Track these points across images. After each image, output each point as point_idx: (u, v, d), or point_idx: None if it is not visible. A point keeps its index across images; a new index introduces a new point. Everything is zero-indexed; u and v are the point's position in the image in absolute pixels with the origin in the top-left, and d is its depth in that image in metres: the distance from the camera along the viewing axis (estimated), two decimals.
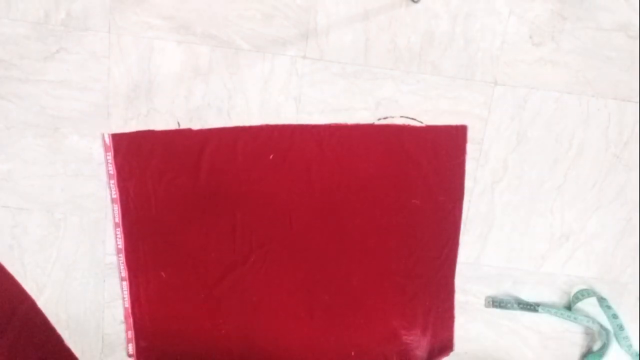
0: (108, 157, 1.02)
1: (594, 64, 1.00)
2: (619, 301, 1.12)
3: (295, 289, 1.09)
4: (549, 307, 1.09)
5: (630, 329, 1.13)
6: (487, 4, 0.97)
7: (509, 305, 1.09)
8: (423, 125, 1.02)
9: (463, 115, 1.02)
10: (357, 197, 1.05)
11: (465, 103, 1.02)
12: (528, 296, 1.12)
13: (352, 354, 1.13)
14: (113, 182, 1.03)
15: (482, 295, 1.11)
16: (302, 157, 1.03)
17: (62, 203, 1.05)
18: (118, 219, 1.05)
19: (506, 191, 1.06)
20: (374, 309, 1.10)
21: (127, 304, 1.09)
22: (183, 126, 1.01)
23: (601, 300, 1.09)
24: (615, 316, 1.09)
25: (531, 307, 1.09)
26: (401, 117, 1.02)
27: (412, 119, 1.02)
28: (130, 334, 1.11)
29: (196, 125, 1.01)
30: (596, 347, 1.13)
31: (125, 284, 1.08)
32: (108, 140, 1.01)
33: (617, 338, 1.10)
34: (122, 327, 1.11)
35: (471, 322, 1.13)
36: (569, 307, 1.10)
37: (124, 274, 1.08)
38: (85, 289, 1.10)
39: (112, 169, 1.02)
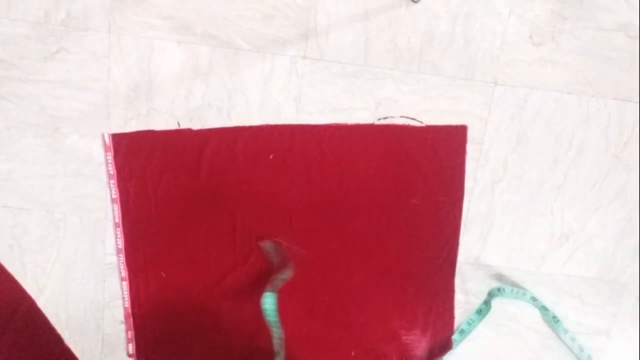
0: (108, 157, 1.02)
1: (594, 64, 1.00)
2: (618, 301, 1.12)
3: (295, 289, 1.09)
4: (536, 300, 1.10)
5: (630, 330, 1.13)
6: (487, 4, 0.97)
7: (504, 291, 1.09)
8: (423, 125, 1.02)
9: (463, 115, 1.02)
10: (357, 197, 1.05)
11: (465, 103, 1.02)
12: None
13: (352, 354, 1.13)
14: (113, 182, 1.03)
15: (482, 295, 1.11)
16: (302, 157, 1.03)
17: (62, 203, 1.05)
18: (118, 219, 1.05)
19: (506, 191, 1.06)
20: (374, 309, 1.10)
21: (127, 304, 1.09)
22: (183, 126, 1.01)
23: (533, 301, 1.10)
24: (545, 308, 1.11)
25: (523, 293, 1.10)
26: (401, 117, 1.02)
27: (412, 119, 1.02)
28: (130, 334, 1.11)
29: (196, 125, 1.01)
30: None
31: (125, 284, 1.08)
32: (108, 140, 1.01)
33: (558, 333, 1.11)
34: (122, 327, 1.11)
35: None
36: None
37: (124, 274, 1.08)
38: (85, 289, 1.10)
39: (112, 169, 1.02)
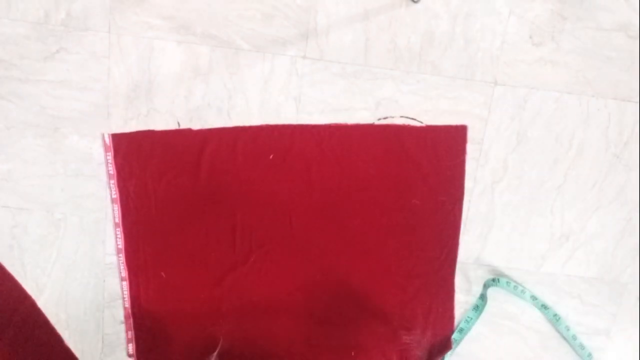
0: (108, 157, 1.02)
1: (594, 64, 1.00)
2: (618, 301, 1.12)
3: (295, 289, 1.09)
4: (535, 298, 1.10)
5: (631, 329, 1.13)
6: (487, 4, 0.97)
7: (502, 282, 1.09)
8: (423, 125, 1.02)
9: (463, 115, 1.02)
10: (357, 197, 1.05)
11: (465, 103, 1.02)
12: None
13: (352, 354, 1.13)
14: (113, 182, 1.03)
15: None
16: (302, 157, 1.03)
17: (62, 203, 1.05)
18: (118, 219, 1.05)
19: (506, 191, 1.06)
20: (374, 309, 1.10)
21: (127, 304, 1.09)
22: (183, 126, 1.01)
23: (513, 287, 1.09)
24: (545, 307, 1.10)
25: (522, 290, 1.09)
26: (401, 117, 1.02)
27: (412, 119, 1.02)
28: (130, 334, 1.11)
29: (196, 125, 1.01)
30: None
31: (125, 284, 1.08)
32: (108, 140, 1.01)
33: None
34: (122, 327, 1.11)
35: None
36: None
37: (124, 274, 1.08)
38: (85, 289, 1.10)
39: (112, 169, 1.02)
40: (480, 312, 1.09)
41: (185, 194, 1.04)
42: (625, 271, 1.11)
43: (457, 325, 1.12)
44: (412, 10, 0.97)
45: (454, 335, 1.12)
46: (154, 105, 1.00)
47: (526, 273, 1.10)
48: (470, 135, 1.03)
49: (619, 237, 1.09)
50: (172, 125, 1.01)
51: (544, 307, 1.10)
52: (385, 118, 1.02)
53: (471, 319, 1.11)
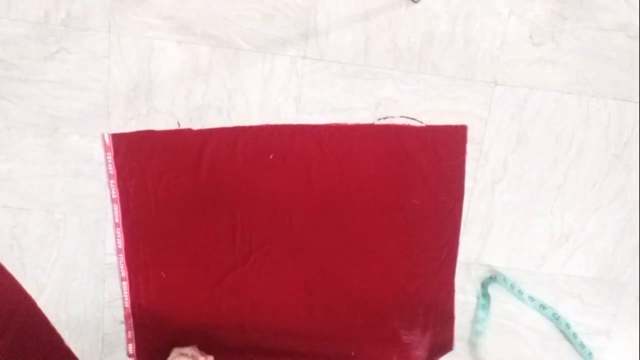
0: (108, 157, 1.02)
1: (594, 64, 1.00)
2: (618, 301, 1.12)
3: (295, 289, 1.09)
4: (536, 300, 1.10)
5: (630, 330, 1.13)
6: (487, 4, 0.97)
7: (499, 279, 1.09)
8: (423, 125, 1.02)
9: (463, 115, 1.02)
10: (357, 197, 1.05)
11: (465, 103, 1.02)
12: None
13: (352, 354, 1.13)
14: (113, 182, 1.03)
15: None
16: (302, 157, 1.03)
17: (62, 203, 1.05)
18: (118, 219, 1.05)
19: (506, 191, 1.06)
20: (374, 309, 1.10)
21: (127, 304, 1.09)
22: (183, 126, 1.01)
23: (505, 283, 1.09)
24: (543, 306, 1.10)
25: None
26: (401, 117, 1.02)
27: (412, 119, 1.02)
28: (130, 334, 1.11)
29: (196, 125, 1.01)
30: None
31: (125, 284, 1.08)
32: (108, 140, 1.01)
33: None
34: (122, 327, 1.11)
35: (471, 322, 1.13)
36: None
37: (124, 274, 1.08)
38: (85, 289, 1.10)
39: (112, 169, 1.02)
40: (488, 309, 1.09)
41: (185, 194, 1.04)
42: (625, 271, 1.11)
43: (473, 330, 1.11)
44: (412, 10, 0.97)
45: (473, 339, 1.11)
46: (154, 105, 1.00)
47: (526, 273, 1.10)
48: (470, 135, 1.03)
49: (619, 237, 1.09)
50: (172, 125, 1.01)
51: (542, 307, 1.10)
52: (385, 118, 1.02)
53: (484, 319, 1.10)
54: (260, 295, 1.09)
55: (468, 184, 1.06)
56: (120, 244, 1.06)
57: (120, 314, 1.10)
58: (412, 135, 1.02)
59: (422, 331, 1.12)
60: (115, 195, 1.04)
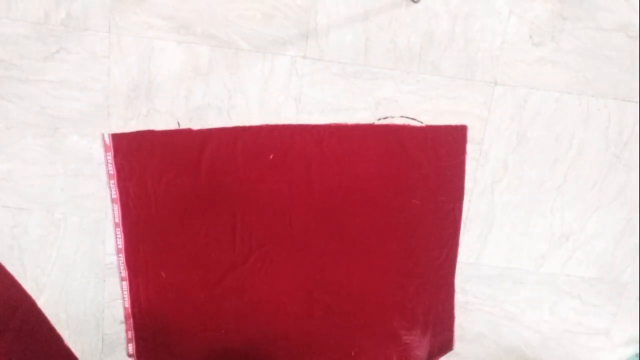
0: (108, 157, 1.02)
1: (594, 64, 1.00)
2: (618, 301, 1.12)
3: (295, 289, 1.09)
4: None
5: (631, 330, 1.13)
6: (487, 4, 0.97)
7: None
8: (423, 125, 1.02)
9: (463, 115, 1.02)
10: (357, 197, 1.05)
11: (465, 103, 1.02)
12: (528, 296, 1.12)
13: (352, 354, 1.13)
14: (113, 182, 1.03)
15: (482, 295, 1.11)
16: (302, 157, 1.03)
17: (62, 203, 1.05)
18: (118, 219, 1.05)
19: (506, 191, 1.06)
20: (374, 309, 1.10)
21: (127, 304, 1.09)
22: (183, 126, 1.01)
23: None
24: None
25: None
26: (401, 117, 1.02)
27: (412, 119, 1.02)
28: (130, 334, 1.11)
29: (196, 125, 1.01)
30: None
31: (125, 284, 1.08)
32: (108, 140, 1.01)
33: None
34: (122, 327, 1.11)
35: (471, 322, 1.13)
36: None
37: (124, 274, 1.08)
38: (85, 289, 1.10)
39: (112, 169, 1.02)
40: None
41: (185, 194, 1.04)
42: (625, 271, 1.11)
43: None
44: (412, 10, 0.97)
45: None
46: (154, 105, 1.00)
47: (526, 273, 1.10)
48: (470, 135, 1.03)
49: (619, 237, 1.09)
50: (172, 125, 1.01)
51: None
52: (385, 118, 1.02)
53: None
54: (260, 295, 1.09)
55: (468, 184, 1.06)
56: (120, 244, 1.06)
57: (120, 314, 1.10)
58: (412, 135, 1.02)
59: (422, 331, 1.12)
60: (115, 195, 1.04)
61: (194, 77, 0.99)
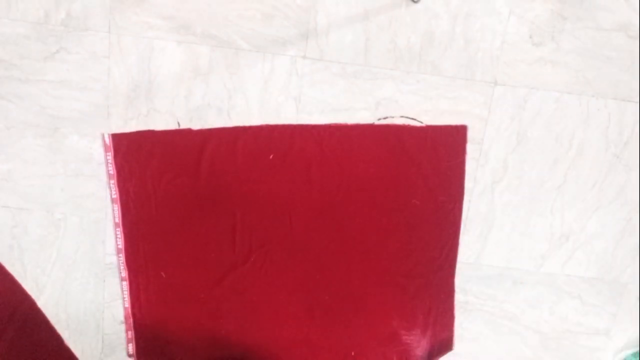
0: (108, 157, 1.02)
1: (594, 64, 1.00)
2: (618, 301, 1.12)
3: (295, 289, 1.09)
4: None
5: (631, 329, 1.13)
6: (487, 4, 0.97)
7: None
8: (423, 125, 1.02)
9: (463, 115, 1.02)
10: (357, 197, 1.05)
11: (465, 103, 1.02)
12: (528, 296, 1.12)
13: (352, 354, 1.13)
14: (113, 182, 1.03)
15: (482, 295, 1.11)
16: (302, 157, 1.03)
17: (62, 203, 1.05)
18: (118, 219, 1.05)
19: (506, 191, 1.06)
20: (374, 309, 1.10)
21: (127, 304, 1.09)
22: (183, 126, 1.01)
23: None
24: None
25: None
26: (401, 117, 1.02)
27: (412, 119, 1.02)
28: (130, 334, 1.11)
29: (196, 125, 1.01)
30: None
31: (125, 284, 1.08)
32: (108, 140, 1.01)
33: None
34: (122, 327, 1.11)
35: (471, 322, 1.13)
36: None
37: (124, 274, 1.08)
38: (85, 289, 1.10)
39: (112, 169, 1.02)
40: None
41: (185, 194, 1.04)
42: (625, 271, 1.11)
43: None
44: (412, 10, 0.97)
45: None
46: (154, 105, 1.00)
47: (526, 273, 1.10)
48: (470, 135, 1.03)
49: (619, 237, 1.09)
50: (172, 125, 1.01)
51: None
52: (385, 118, 1.02)
53: None
54: (260, 295, 1.09)
55: (468, 184, 1.06)
56: (120, 244, 1.06)
57: (120, 314, 1.10)
58: (412, 135, 1.02)
59: (422, 331, 1.12)
60: (115, 195, 1.04)
61: (194, 77, 0.99)
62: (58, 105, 1.00)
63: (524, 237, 1.09)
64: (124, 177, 1.03)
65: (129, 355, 1.12)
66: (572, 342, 1.14)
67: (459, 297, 1.12)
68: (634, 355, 1.11)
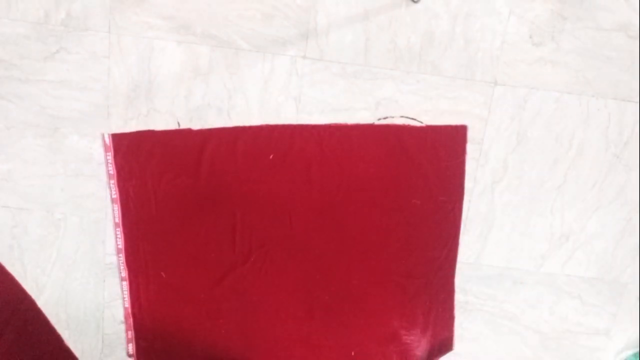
0: (108, 157, 1.02)
1: (594, 64, 1.00)
2: (618, 301, 1.12)
3: (295, 289, 1.09)
4: None
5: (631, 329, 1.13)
6: (487, 4, 0.97)
7: None
8: (423, 125, 1.02)
9: (463, 115, 1.02)
10: (357, 197, 1.05)
11: (465, 103, 1.02)
12: (528, 296, 1.12)
13: (352, 354, 1.13)
14: (113, 182, 1.03)
15: (482, 295, 1.12)
16: (302, 157, 1.03)
17: (62, 203, 1.05)
18: (118, 219, 1.05)
19: (506, 191, 1.06)
20: (374, 309, 1.10)
21: (127, 304, 1.09)
22: (183, 126, 1.01)
23: None
24: None
25: None
26: (401, 117, 1.02)
27: (412, 119, 1.02)
28: (130, 334, 1.11)
29: (196, 125, 1.01)
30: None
31: (125, 284, 1.08)
32: (108, 140, 1.01)
33: None
34: (122, 327, 1.11)
35: (471, 322, 1.13)
36: None
37: (124, 274, 1.08)
38: (85, 289, 1.10)
39: (112, 169, 1.02)
40: None
41: (185, 194, 1.04)
42: (625, 271, 1.11)
43: None
44: (412, 10, 0.97)
45: None
46: (154, 105, 1.00)
47: (526, 273, 1.10)
48: (470, 135, 1.03)
49: (619, 237, 1.09)
50: (172, 125, 1.01)
51: None
52: (385, 118, 1.02)
53: None
54: (260, 295, 1.09)
55: (468, 184, 1.06)
56: (120, 244, 1.06)
57: (120, 314, 1.10)
58: (412, 135, 1.02)
59: (422, 331, 1.12)
60: (115, 195, 1.04)
61: (194, 77, 0.99)
62: (58, 105, 1.00)
63: (524, 237, 1.09)
64: (124, 177, 1.03)
65: (129, 355, 1.12)
66: (572, 342, 1.14)
67: (459, 297, 1.12)
68: (634, 355, 1.11)
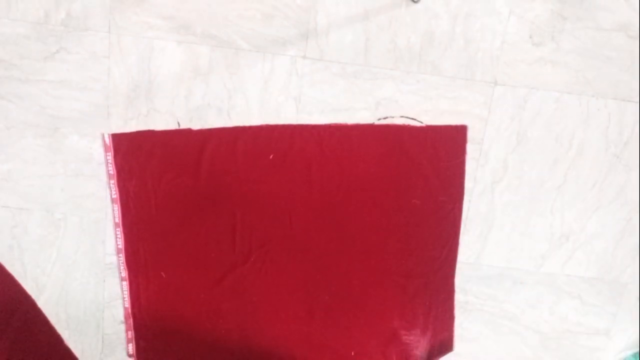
0: (108, 157, 1.02)
1: (594, 64, 1.00)
2: (618, 301, 1.12)
3: (295, 289, 1.09)
4: None
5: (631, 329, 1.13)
6: (487, 4, 0.97)
7: None
8: (423, 125, 1.02)
9: (463, 115, 1.02)
10: (357, 197, 1.05)
11: (465, 103, 1.02)
12: (528, 296, 1.12)
13: (352, 354, 1.13)
14: (113, 182, 1.03)
15: (482, 295, 1.12)
16: (302, 157, 1.03)
17: (62, 203, 1.05)
18: (118, 219, 1.05)
19: (506, 191, 1.06)
20: (374, 309, 1.10)
21: (127, 304, 1.09)
22: (183, 126, 1.01)
23: None
24: None
25: None
26: (401, 117, 1.02)
27: (412, 119, 1.02)
28: (130, 334, 1.11)
29: (196, 125, 1.01)
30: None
31: (125, 284, 1.08)
32: (108, 140, 1.01)
33: None
34: (122, 327, 1.11)
35: (471, 322, 1.13)
36: None
37: (124, 274, 1.08)
38: (85, 289, 1.10)
39: (112, 169, 1.02)
40: None
41: (185, 194, 1.04)
42: (625, 271, 1.11)
43: None
44: (412, 10, 0.97)
45: None
46: (154, 105, 1.00)
47: (526, 273, 1.10)
48: (470, 135, 1.03)
49: (619, 237, 1.09)
50: (172, 125, 1.01)
51: None
52: (385, 118, 1.02)
53: None
54: (260, 295, 1.09)
55: (468, 184, 1.06)
56: (120, 244, 1.06)
57: (120, 314, 1.10)
58: (412, 135, 1.02)
59: (422, 331, 1.12)
60: (115, 195, 1.04)
61: (194, 77, 0.99)
62: (58, 105, 1.00)
63: (524, 237, 1.09)
64: (124, 177, 1.03)
65: (129, 355, 1.12)
66: (572, 342, 1.14)
67: (459, 297, 1.12)
68: (634, 355, 1.11)
